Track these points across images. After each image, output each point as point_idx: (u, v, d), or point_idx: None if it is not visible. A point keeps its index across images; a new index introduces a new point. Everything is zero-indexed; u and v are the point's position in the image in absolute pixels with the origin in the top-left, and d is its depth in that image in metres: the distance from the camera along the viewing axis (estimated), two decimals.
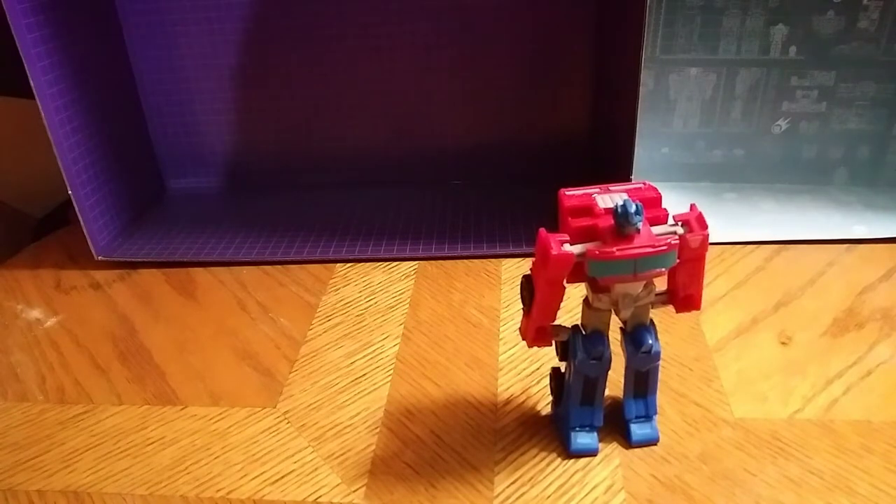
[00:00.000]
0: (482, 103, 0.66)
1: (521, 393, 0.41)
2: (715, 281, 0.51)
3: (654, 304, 0.35)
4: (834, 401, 0.39)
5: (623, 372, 0.37)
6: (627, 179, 0.52)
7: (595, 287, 0.33)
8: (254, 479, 0.37)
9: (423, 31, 0.63)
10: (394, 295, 0.51)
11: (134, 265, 0.57)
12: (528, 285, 0.34)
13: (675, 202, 0.40)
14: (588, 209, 0.32)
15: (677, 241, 0.31)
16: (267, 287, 0.53)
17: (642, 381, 0.37)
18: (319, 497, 0.35)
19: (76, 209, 0.55)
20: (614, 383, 0.38)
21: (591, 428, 0.37)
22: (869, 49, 0.58)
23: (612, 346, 0.35)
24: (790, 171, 0.64)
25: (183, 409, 0.42)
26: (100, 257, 0.57)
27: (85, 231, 0.56)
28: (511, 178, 0.68)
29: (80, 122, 0.56)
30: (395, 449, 0.38)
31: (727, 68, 0.61)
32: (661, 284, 0.35)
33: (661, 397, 0.39)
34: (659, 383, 0.37)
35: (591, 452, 0.37)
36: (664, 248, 0.31)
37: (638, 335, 0.35)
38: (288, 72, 0.65)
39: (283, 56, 0.64)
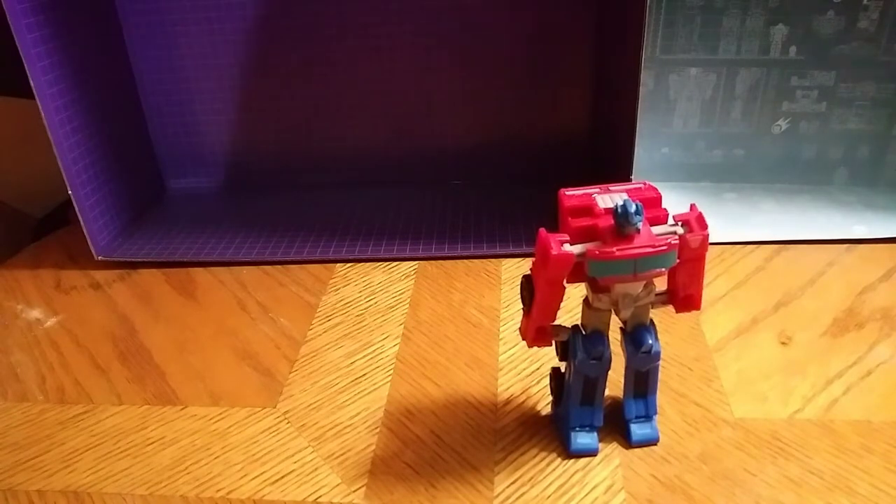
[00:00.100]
0: (482, 103, 0.66)
1: (521, 393, 0.41)
2: (715, 281, 0.51)
3: (654, 304, 0.35)
4: (834, 401, 0.39)
5: (623, 372, 0.37)
6: (627, 179, 0.52)
7: (595, 287, 0.33)
8: (254, 479, 0.37)
9: (423, 31, 0.63)
10: (394, 295, 0.51)
11: (134, 265, 0.57)
12: (528, 285, 0.34)
13: (675, 202, 0.40)
14: (588, 209, 0.32)
15: (677, 241, 0.31)
16: (267, 287, 0.53)
17: (642, 381, 0.37)
18: (319, 497, 0.35)
19: (76, 209, 0.55)
20: (614, 383, 0.38)
21: (591, 428, 0.37)
22: (869, 49, 0.58)
23: (612, 346, 0.35)
24: (790, 171, 0.64)
25: (183, 409, 0.42)
26: (100, 257, 0.57)
27: (85, 231, 0.56)
28: (511, 178, 0.68)
29: (80, 122, 0.56)
30: (395, 449, 0.38)
31: (727, 68, 0.61)
32: (661, 284, 0.35)
33: (661, 397, 0.39)
34: (659, 383, 0.37)
35: (591, 452, 0.37)
36: (664, 248, 0.31)
37: (638, 335, 0.35)
38: (288, 72, 0.65)
39: (283, 56, 0.64)
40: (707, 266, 0.37)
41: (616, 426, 0.38)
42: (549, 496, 0.35)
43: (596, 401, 0.36)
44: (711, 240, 0.33)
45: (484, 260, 0.55)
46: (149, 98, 0.67)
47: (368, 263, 0.56)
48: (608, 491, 0.35)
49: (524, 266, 0.54)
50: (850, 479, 0.34)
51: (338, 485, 0.36)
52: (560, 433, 0.38)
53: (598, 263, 0.31)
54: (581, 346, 0.35)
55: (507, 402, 0.41)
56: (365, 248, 0.57)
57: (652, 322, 0.35)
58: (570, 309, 0.46)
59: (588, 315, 0.35)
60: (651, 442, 0.37)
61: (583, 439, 0.37)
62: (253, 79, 0.65)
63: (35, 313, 0.52)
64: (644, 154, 0.65)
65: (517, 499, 0.35)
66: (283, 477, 0.37)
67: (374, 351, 0.46)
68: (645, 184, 0.34)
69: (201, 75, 0.65)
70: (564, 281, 0.33)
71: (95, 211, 0.57)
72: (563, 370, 0.38)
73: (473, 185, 0.67)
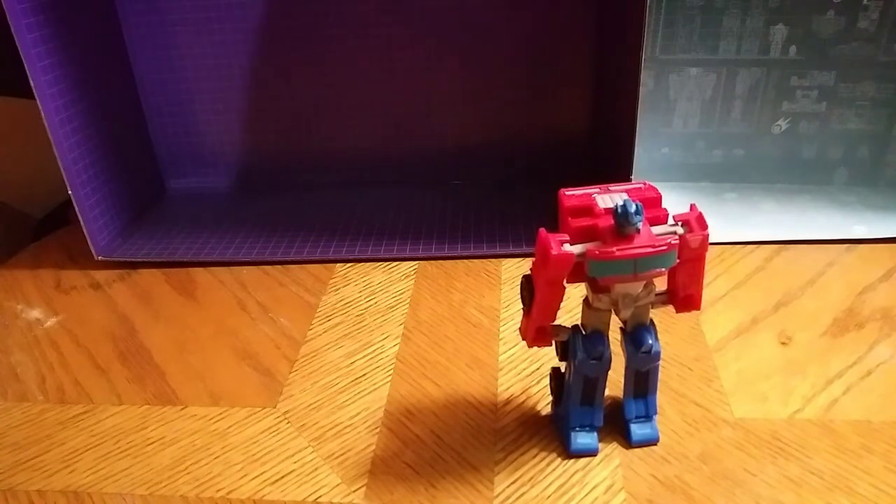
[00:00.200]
0: (482, 103, 0.66)
1: (521, 393, 0.41)
2: (715, 281, 0.50)
3: (654, 304, 0.35)
4: (834, 401, 0.39)
5: (623, 372, 0.37)
6: (627, 179, 0.52)
7: (595, 287, 0.33)
8: (254, 479, 0.37)
9: (423, 31, 0.63)
10: (394, 295, 0.51)
11: (134, 265, 0.57)
12: (528, 285, 0.34)
13: (675, 202, 0.40)
14: (588, 209, 0.32)
15: (677, 241, 0.31)
16: (267, 287, 0.53)
17: (642, 381, 0.37)
18: (319, 497, 0.35)
19: (76, 209, 0.55)
20: (614, 383, 0.38)
21: (591, 428, 0.37)
22: (869, 49, 0.58)
23: (612, 346, 0.35)
24: (790, 171, 0.64)
25: (183, 409, 0.42)
26: (100, 257, 0.57)
27: (85, 231, 0.56)
28: (511, 178, 0.68)
29: (80, 122, 0.56)
30: (395, 449, 0.38)
31: (727, 68, 0.61)
32: (661, 284, 0.35)
33: (661, 397, 0.39)
34: (659, 383, 0.37)
35: (591, 452, 0.37)
36: (664, 248, 0.31)
37: (638, 335, 0.35)
38: (288, 72, 0.65)
39: (283, 56, 0.64)
40: (707, 266, 0.37)
41: (616, 426, 0.38)
42: (549, 496, 0.35)
43: (596, 401, 0.36)
44: (711, 240, 0.33)
45: (484, 260, 0.55)
46: (149, 98, 0.67)
47: (368, 263, 0.56)
48: (608, 491, 0.35)
49: (524, 266, 0.54)
50: (850, 479, 0.34)
51: (338, 485, 0.36)
52: (560, 433, 0.38)
53: (598, 263, 0.31)
54: (581, 346, 0.35)
55: (507, 402, 0.41)
56: (365, 248, 0.57)
57: (652, 322, 0.35)
58: (570, 309, 0.46)
59: (588, 315, 0.35)
60: (651, 442, 0.37)
61: (583, 439, 0.37)
62: (253, 79, 0.65)
63: (35, 313, 0.52)
64: (644, 154, 0.65)
65: (517, 499, 0.35)
66: (283, 477, 0.37)
67: (374, 351, 0.46)
68: (645, 184, 0.34)
69: (201, 75, 0.65)
70: (564, 281, 0.33)
71: (95, 211, 0.57)
72: (563, 370, 0.38)
73: (473, 185, 0.67)
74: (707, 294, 0.48)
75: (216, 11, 0.63)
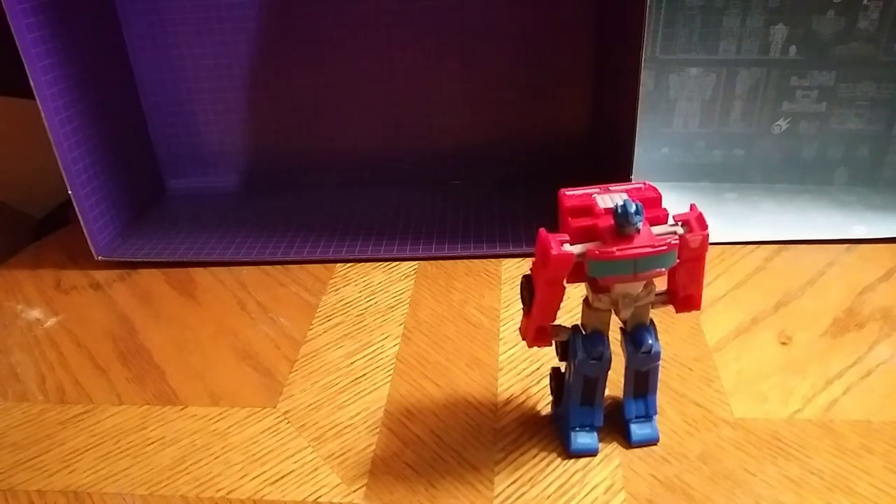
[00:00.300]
0: (482, 103, 0.66)
1: (521, 393, 0.41)
2: (715, 281, 0.50)
3: (654, 304, 0.35)
4: (834, 401, 0.39)
5: (623, 372, 0.37)
6: (627, 179, 0.52)
7: (595, 287, 0.33)
8: (254, 479, 0.37)
9: (423, 31, 0.63)
10: (394, 295, 0.51)
11: (134, 265, 0.57)
12: (528, 285, 0.34)
13: (675, 202, 0.40)
14: (588, 209, 0.32)
15: (677, 241, 0.31)
16: (267, 287, 0.53)
17: (642, 381, 0.37)
18: (319, 497, 0.35)
19: (76, 209, 0.55)
20: (614, 383, 0.38)
21: (591, 428, 0.37)
22: (869, 49, 0.58)
23: (612, 346, 0.35)
24: (790, 171, 0.64)
25: (183, 409, 0.42)
26: (100, 257, 0.57)
27: (85, 231, 0.56)
28: (511, 178, 0.68)
29: (80, 122, 0.56)
30: (395, 449, 0.38)
31: (727, 68, 0.61)
32: (661, 284, 0.35)
33: (661, 397, 0.39)
34: (659, 383, 0.37)
35: (591, 452, 0.37)
36: (664, 248, 0.31)
37: (638, 335, 0.35)
38: (288, 72, 0.65)
39: (283, 56, 0.64)
40: (707, 266, 0.37)
41: (616, 426, 0.38)
42: (549, 496, 0.35)
43: (596, 401, 0.36)
44: (711, 240, 0.33)
45: (484, 260, 0.55)
46: (149, 98, 0.67)
47: (368, 263, 0.56)
48: (608, 491, 0.35)
49: (524, 266, 0.54)
50: (850, 479, 0.34)
51: (338, 485, 0.36)
52: (560, 433, 0.38)
53: (598, 263, 0.31)
54: (581, 346, 0.35)
55: (507, 402, 0.41)
56: (365, 248, 0.57)
57: (652, 322, 0.35)
58: (570, 309, 0.46)
59: (588, 315, 0.35)
60: (651, 442, 0.37)
61: (583, 439, 0.37)
62: (253, 79, 0.65)
63: (35, 313, 0.52)
64: (644, 154, 0.65)
65: (517, 499, 0.35)
66: (283, 477, 0.37)
67: (374, 351, 0.46)
68: (645, 184, 0.34)
69: (201, 75, 0.65)
70: (564, 281, 0.33)
71: (95, 211, 0.57)
72: (563, 370, 0.38)
73: (473, 185, 0.67)
74: (707, 294, 0.48)
75: (216, 11, 0.63)
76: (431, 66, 0.64)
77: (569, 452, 0.37)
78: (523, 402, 0.40)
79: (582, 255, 0.31)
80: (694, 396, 0.40)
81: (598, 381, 0.36)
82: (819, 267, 0.52)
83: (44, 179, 0.61)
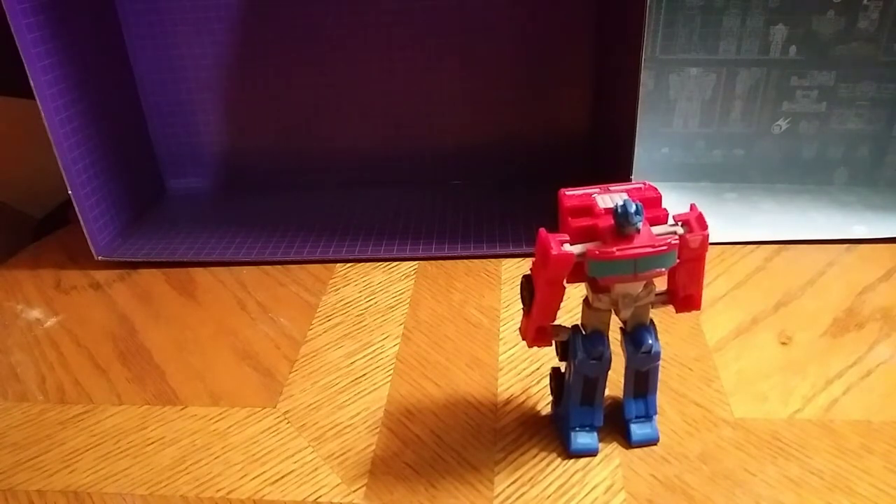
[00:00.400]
0: (482, 103, 0.66)
1: (521, 393, 0.41)
2: (715, 281, 0.50)
3: (654, 304, 0.35)
4: (834, 401, 0.39)
5: (623, 372, 0.37)
6: (627, 179, 0.52)
7: (595, 287, 0.33)
8: (254, 479, 0.37)
9: (423, 31, 0.63)
10: (394, 295, 0.51)
11: (134, 265, 0.57)
12: (528, 285, 0.34)
13: (675, 202, 0.40)
14: (588, 209, 0.32)
15: (677, 241, 0.31)
16: (267, 287, 0.53)
17: (642, 381, 0.37)
18: (319, 497, 0.35)
19: (76, 209, 0.55)
20: (614, 383, 0.38)
21: (591, 428, 0.37)
22: (869, 49, 0.58)
23: (612, 346, 0.35)
24: (790, 171, 0.64)
25: (183, 409, 0.42)
26: (100, 257, 0.57)
27: (85, 231, 0.56)
28: (511, 178, 0.68)
29: (80, 122, 0.56)
30: (395, 449, 0.38)
31: (727, 68, 0.61)
32: (661, 284, 0.35)
33: (661, 397, 0.39)
34: (659, 383, 0.37)
35: (591, 452, 0.37)
36: (664, 248, 0.31)
37: (638, 335, 0.35)
38: (288, 72, 0.65)
39: (283, 56, 0.64)
40: (707, 266, 0.37)
41: (616, 426, 0.38)
42: (549, 496, 0.35)
43: (596, 401, 0.36)
44: (711, 240, 0.33)
45: (484, 260, 0.55)
46: (149, 98, 0.67)
47: (368, 263, 0.56)
48: (608, 491, 0.35)
49: (524, 266, 0.54)
50: (850, 479, 0.34)
51: (338, 485, 0.36)
52: (560, 433, 0.38)
53: (598, 263, 0.31)
54: (581, 346, 0.35)
55: (507, 402, 0.41)
56: (365, 248, 0.57)
57: (652, 322, 0.35)
58: (570, 309, 0.46)
59: (588, 315, 0.35)
60: (651, 442, 0.37)
61: (583, 439, 0.37)
62: (253, 79, 0.65)
63: (35, 313, 0.52)
64: (644, 154, 0.65)
65: (517, 499, 0.35)
66: (283, 477, 0.37)
67: (374, 351, 0.46)
68: (645, 184, 0.34)
69: (201, 75, 0.65)
70: (564, 281, 0.33)
71: (95, 211, 0.57)
72: (563, 370, 0.38)
73: (473, 185, 0.67)
74: (707, 294, 0.48)
75: (216, 11, 0.63)
76: (431, 66, 0.64)
77: (569, 452, 0.37)
78: (523, 402, 0.40)
79: (582, 255, 0.31)
80: (694, 396, 0.40)
81: (598, 381, 0.36)
82: (819, 267, 0.52)
83: (44, 179, 0.61)
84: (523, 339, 0.36)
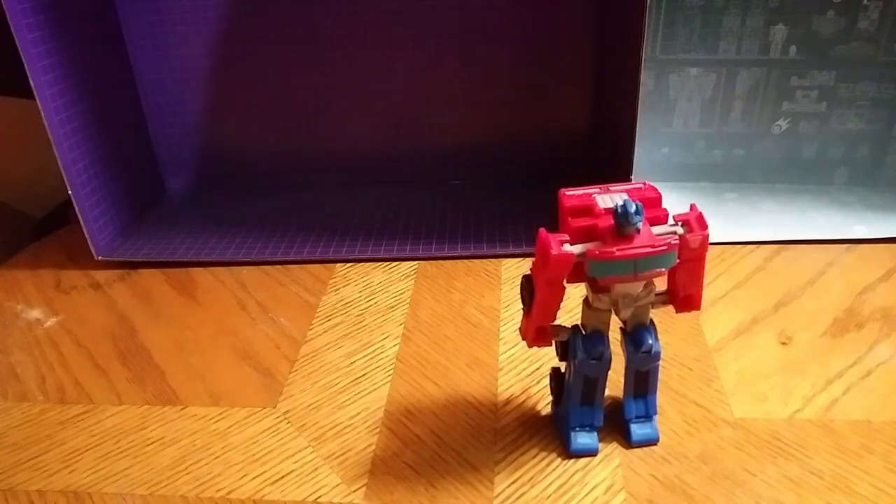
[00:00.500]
0: (482, 103, 0.66)
1: (521, 393, 0.41)
2: (715, 281, 0.50)
3: (654, 304, 0.35)
4: (834, 401, 0.39)
5: (623, 372, 0.37)
6: (627, 179, 0.52)
7: (595, 287, 0.33)
8: (254, 479, 0.37)
9: (423, 31, 0.63)
10: (394, 295, 0.51)
11: (134, 265, 0.57)
12: (528, 285, 0.34)
13: (675, 202, 0.40)
14: (588, 209, 0.32)
15: (677, 241, 0.31)
16: (267, 287, 0.53)
17: (642, 381, 0.37)
18: (319, 497, 0.35)
19: (76, 209, 0.55)
20: (614, 383, 0.38)
21: (591, 428, 0.37)
22: (869, 49, 0.58)
23: (612, 346, 0.35)
24: (790, 171, 0.64)
25: (183, 409, 0.42)
26: (100, 257, 0.57)
27: (85, 231, 0.56)
28: (511, 178, 0.68)
29: (80, 122, 0.56)
30: (395, 449, 0.38)
31: (727, 68, 0.61)
32: (661, 284, 0.35)
33: (661, 397, 0.39)
34: (659, 383, 0.37)
35: (591, 452, 0.37)
36: (664, 248, 0.31)
37: (638, 335, 0.35)
38: (288, 72, 0.65)
39: (283, 56, 0.64)
40: (707, 266, 0.37)
41: (616, 426, 0.38)
42: (549, 496, 0.35)
43: (596, 401, 0.36)
44: (711, 240, 0.33)
45: (484, 260, 0.55)
46: (149, 98, 0.67)
47: (368, 263, 0.56)
48: (608, 491, 0.35)
49: (524, 266, 0.54)
50: (850, 479, 0.34)
51: (338, 485, 0.36)
52: (560, 433, 0.38)
53: (598, 263, 0.31)
54: (581, 346, 0.35)
55: (507, 402, 0.41)
56: (365, 248, 0.57)
57: (652, 322, 0.35)
58: (570, 309, 0.46)
59: (588, 315, 0.35)
60: (651, 442, 0.37)
61: (583, 439, 0.37)
62: (253, 79, 0.65)
63: (35, 313, 0.52)
64: (644, 154, 0.65)
65: (517, 499, 0.35)
66: (283, 477, 0.37)
67: (374, 351, 0.46)
68: (645, 184, 0.34)
69: (201, 75, 0.65)
70: (564, 281, 0.33)
71: (95, 211, 0.57)
72: (563, 370, 0.38)
73: (473, 185, 0.67)
74: (707, 294, 0.48)
75: (216, 11, 0.63)
76: (431, 66, 0.64)
77: (569, 452, 0.37)
78: (523, 402, 0.40)
79: (582, 255, 0.31)
80: (694, 396, 0.40)
81: (598, 381, 0.36)
82: (819, 267, 0.52)
83: (44, 179, 0.61)
84: (523, 339, 0.36)
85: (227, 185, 0.70)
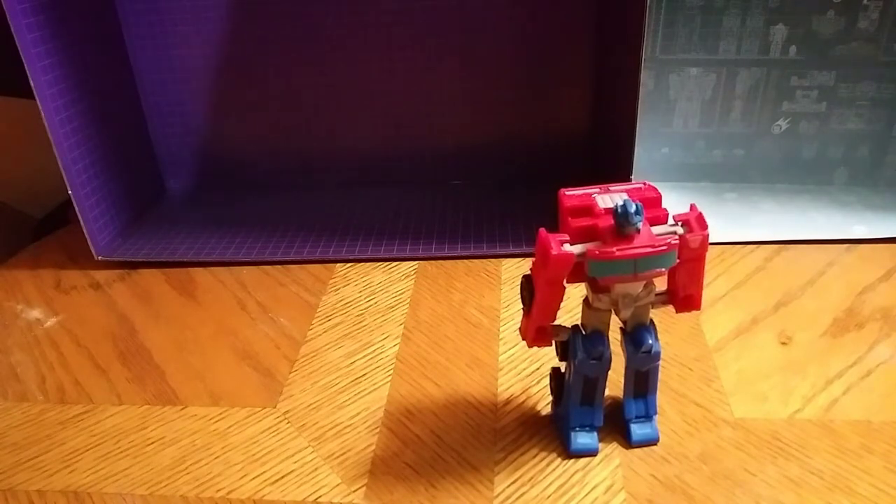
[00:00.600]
0: (482, 103, 0.66)
1: (521, 393, 0.41)
2: (715, 281, 0.50)
3: (654, 304, 0.35)
4: (834, 401, 0.39)
5: (623, 372, 0.37)
6: (627, 179, 0.52)
7: (595, 287, 0.33)
8: (254, 479, 0.37)
9: (423, 31, 0.63)
10: (394, 295, 0.51)
11: (134, 265, 0.57)
12: (528, 285, 0.34)
13: (675, 202, 0.40)
14: (588, 209, 0.32)
15: (677, 241, 0.31)
16: (267, 287, 0.53)
17: (642, 381, 0.37)
18: (319, 497, 0.35)
19: (76, 209, 0.55)
20: (614, 383, 0.38)
21: (591, 428, 0.37)
22: (869, 49, 0.58)
23: (612, 346, 0.35)
24: (790, 171, 0.64)
25: (183, 409, 0.42)
26: (100, 257, 0.57)
27: (85, 231, 0.56)
28: (511, 178, 0.68)
29: (80, 122, 0.56)
30: (395, 449, 0.38)
31: (727, 68, 0.61)
32: (661, 284, 0.35)
33: (661, 397, 0.39)
34: (659, 383, 0.37)
35: (591, 452, 0.37)
36: (664, 248, 0.31)
37: (638, 335, 0.35)
38: (288, 72, 0.65)
39: (283, 56, 0.64)
40: (707, 266, 0.37)
41: (616, 426, 0.38)
42: (549, 496, 0.35)
43: (596, 401, 0.36)
44: (711, 240, 0.33)
45: (484, 260, 0.55)
46: (149, 98, 0.67)
47: (368, 263, 0.56)
48: (608, 491, 0.35)
49: (524, 266, 0.54)
50: (850, 479, 0.34)
51: (338, 485, 0.36)
52: (560, 433, 0.38)
53: (598, 263, 0.31)
54: (581, 346, 0.35)
55: (507, 402, 0.41)
56: (365, 248, 0.57)
57: (652, 322, 0.35)
58: (570, 309, 0.46)
59: (588, 315, 0.35)
60: (651, 442, 0.37)
61: (583, 439, 0.37)
62: (253, 79, 0.65)
63: (35, 313, 0.52)
64: (644, 154, 0.65)
65: (517, 499, 0.35)
66: (283, 477, 0.37)
67: (374, 351, 0.46)
68: (645, 184, 0.34)
69: (201, 75, 0.65)
70: (564, 281, 0.33)
71: (95, 211, 0.57)
72: (563, 370, 0.38)
73: (473, 185, 0.67)
74: (707, 294, 0.48)
75: (216, 11, 0.63)
76: (431, 66, 0.64)
77: (569, 452, 0.37)
78: (523, 402, 0.40)
79: (582, 255, 0.31)
80: (694, 396, 0.40)
81: (598, 381, 0.36)
82: (819, 267, 0.52)
83: (44, 179, 0.61)
84: (523, 339, 0.36)
85: (227, 185, 0.70)
